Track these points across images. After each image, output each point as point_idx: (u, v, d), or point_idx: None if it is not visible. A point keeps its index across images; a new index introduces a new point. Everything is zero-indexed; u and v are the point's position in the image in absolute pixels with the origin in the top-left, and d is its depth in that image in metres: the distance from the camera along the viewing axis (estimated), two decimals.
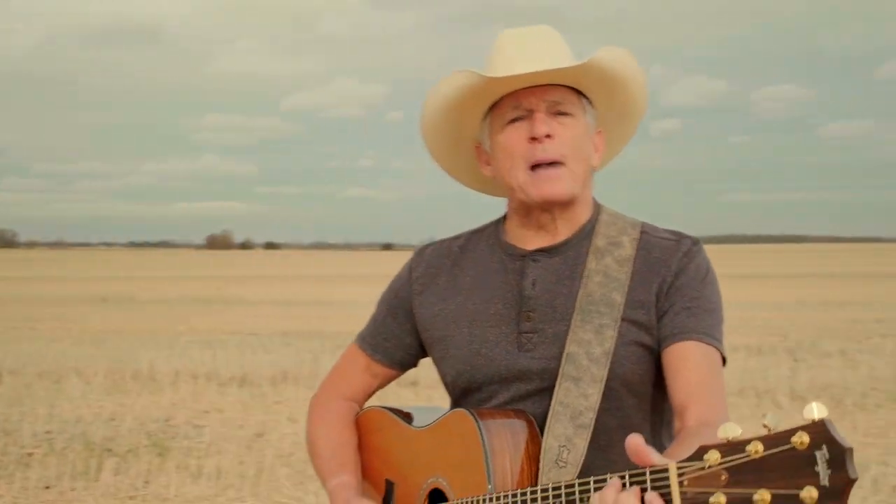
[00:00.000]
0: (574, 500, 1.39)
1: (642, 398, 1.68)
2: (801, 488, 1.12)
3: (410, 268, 1.87)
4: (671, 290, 1.67)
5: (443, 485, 1.67)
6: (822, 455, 1.11)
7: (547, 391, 1.65)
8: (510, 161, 1.69)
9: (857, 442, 6.42)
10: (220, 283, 33.52)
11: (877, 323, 15.20)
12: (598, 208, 1.78)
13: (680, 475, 1.23)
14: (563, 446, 1.58)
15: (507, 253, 1.76)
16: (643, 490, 1.27)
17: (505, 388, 1.69)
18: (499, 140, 1.72)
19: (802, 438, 1.12)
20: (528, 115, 1.68)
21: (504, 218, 1.83)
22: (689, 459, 1.21)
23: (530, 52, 1.68)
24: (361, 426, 1.92)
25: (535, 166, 1.67)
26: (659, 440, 1.71)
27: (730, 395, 1.99)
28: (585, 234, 1.74)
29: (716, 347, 1.64)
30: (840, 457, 1.10)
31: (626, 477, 1.31)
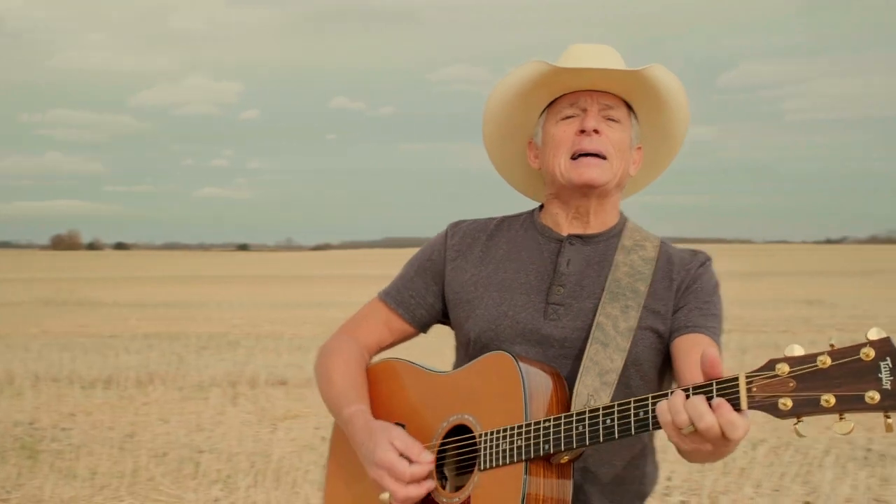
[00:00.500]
0: (629, 419, 1.57)
1: (647, 382, 1.88)
2: (866, 391, 1.33)
3: (446, 236, 2.04)
4: (688, 291, 1.90)
5: (469, 421, 1.80)
6: (886, 365, 1.32)
7: (566, 358, 1.85)
8: (557, 149, 1.90)
9: None
10: (69, 285, 32.44)
11: None
12: (623, 217, 2.01)
13: (749, 383, 1.43)
14: (591, 395, 1.77)
15: (543, 234, 1.98)
16: (709, 398, 1.45)
17: (524, 350, 1.85)
18: (551, 131, 1.93)
19: (869, 352, 1.34)
20: (582, 113, 1.90)
21: (539, 209, 2.04)
22: (759, 370, 1.42)
23: (594, 58, 1.88)
24: (371, 377, 2.02)
25: (577, 156, 1.88)
26: None
27: None
28: (614, 233, 1.97)
29: (719, 347, 1.85)
30: None
31: (690, 390, 1.49)
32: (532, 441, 1.68)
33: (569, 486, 1.76)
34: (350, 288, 27.65)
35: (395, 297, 2.05)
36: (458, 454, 1.83)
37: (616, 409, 1.60)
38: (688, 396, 1.48)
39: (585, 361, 1.81)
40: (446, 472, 1.85)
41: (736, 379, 1.45)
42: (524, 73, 1.91)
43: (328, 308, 19.37)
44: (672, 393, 1.52)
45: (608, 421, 1.61)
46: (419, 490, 1.76)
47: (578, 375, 1.79)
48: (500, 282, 1.93)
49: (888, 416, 1.33)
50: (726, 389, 1.46)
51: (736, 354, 10.96)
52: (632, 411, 1.58)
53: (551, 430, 1.67)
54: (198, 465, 5.94)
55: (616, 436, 1.60)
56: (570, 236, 1.94)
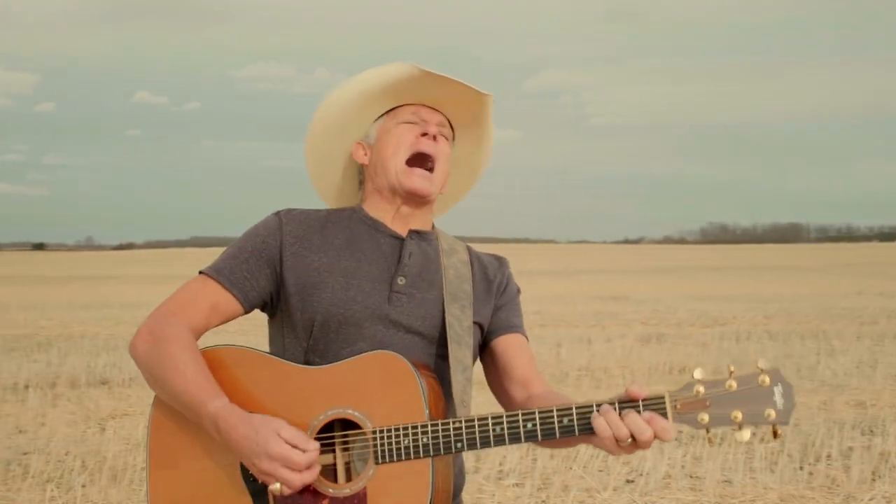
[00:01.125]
0: (552, 425, 1.79)
1: (469, 370, 2.08)
2: (765, 409, 1.75)
3: (281, 222, 2.08)
4: (504, 293, 2.17)
5: (355, 416, 1.87)
6: (778, 389, 1.76)
7: (414, 342, 2.03)
8: (396, 147, 2.10)
9: None
10: None
11: (535, 315, 16.65)
12: (434, 225, 2.22)
13: (674, 401, 1.77)
14: (463, 390, 1.99)
15: (378, 229, 2.12)
16: (637, 412, 1.75)
17: (371, 330, 2.00)
18: (392, 131, 2.12)
19: (765, 379, 1.75)
20: (422, 123, 2.12)
21: (359, 206, 2.17)
22: (680, 390, 1.77)
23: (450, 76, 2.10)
24: (212, 360, 1.97)
25: (411, 162, 2.09)
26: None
27: None
28: (433, 237, 2.18)
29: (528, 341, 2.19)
30: (790, 391, 1.75)
31: (616, 404, 1.78)
32: (442, 440, 1.83)
33: (453, 473, 1.95)
34: (158, 287, 26.89)
35: (228, 277, 2.03)
36: (340, 447, 1.91)
37: (537, 414, 1.80)
38: (621, 409, 1.76)
39: (452, 361, 2.00)
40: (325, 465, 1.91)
41: (662, 397, 1.77)
42: (386, 73, 2.09)
43: (141, 308, 18.83)
44: (600, 407, 1.76)
45: (529, 425, 1.80)
46: (312, 475, 1.84)
47: (452, 374, 1.99)
48: (344, 269, 2.04)
49: (776, 429, 1.77)
50: (653, 405, 1.77)
51: (552, 348, 11.46)
52: (555, 417, 1.79)
53: (464, 430, 1.82)
54: (27, 467, 5.74)
55: (539, 438, 1.80)
56: (411, 232, 2.13)
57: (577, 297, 21.99)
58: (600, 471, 5.66)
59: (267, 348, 2.14)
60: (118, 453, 6.04)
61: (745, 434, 1.75)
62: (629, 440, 1.73)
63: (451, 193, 2.31)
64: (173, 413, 1.97)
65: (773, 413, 1.74)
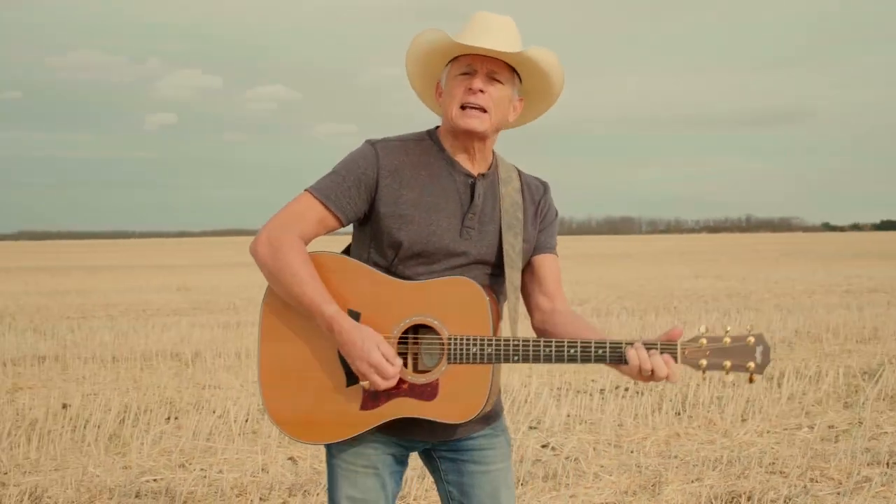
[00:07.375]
0: (590, 352, 2.25)
1: (518, 289, 2.52)
2: (747, 362, 2.27)
3: (377, 154, 2.42)
4: (545, 218, 2.56)
5: (434, 323, 2.33)
6: (759, 349, 2.27)
7: (476, 267, 2.43)
8: (451, 99, 2.43)
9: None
10: None
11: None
12: (495, 154, 2.55)
13: (683, 349, 2.26)
14: (514, 308, 2.47)
15: (455, 167, 2.47)
16: (659, 351, 2.24)
17: (445, 259, 2.41)
18: (449, 84, 2.45)
19: (750, 339, 2.28)
20: (473, 73, 2.41)
21: (436, 136, 2.50)
22: (689, 341, 2.27)
23: (491, 31, 2.39)
24: (318, 265, 2.37)
25: (464, 106, 2.41)
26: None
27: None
28: (494, 168, 2.52)
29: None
30: (768, 351, 2.27)
31: (638, 343, 2.24)
32: (503, 352, 2.30)
33: (500, 381, 2.43)
34: None
35: (333, 200, 2.40)
36: (418, 346, 2.36)
37: (579, 344, 2.27)
38: (648, 349, 2.24)
39: (508, 284, 2.44)
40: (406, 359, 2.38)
41: (675, 343, 2.26)
42: (430, 41, 2.42)
43: None
44: (633, 345, 2.24)
45: (572, 351, 2.27)
46: (394, 382, 2.31)
47: (508, 293, 2.44)
48: (427, 204, 2.42)
49: (752, 376, 2.28)
50: (668, 349, 2.26)
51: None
52: (592, 349, 2.27)
53: (521, 347, 2.29)
54: None
55: (578, 361, 2.27)
56: (479, 175, 2.47)
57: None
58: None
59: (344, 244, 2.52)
60: None
61: (730, 377, 2.29)
62: (649, 372, 2.22)
63: (529, 114, 2.60)
64: (284, 302, 2.39)
65: (752, 365, 2.27)
